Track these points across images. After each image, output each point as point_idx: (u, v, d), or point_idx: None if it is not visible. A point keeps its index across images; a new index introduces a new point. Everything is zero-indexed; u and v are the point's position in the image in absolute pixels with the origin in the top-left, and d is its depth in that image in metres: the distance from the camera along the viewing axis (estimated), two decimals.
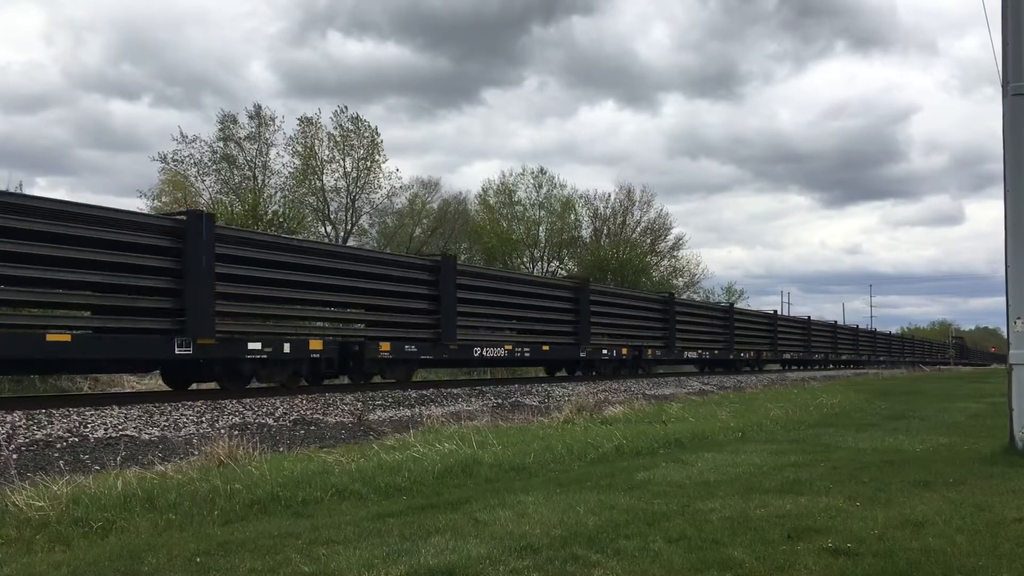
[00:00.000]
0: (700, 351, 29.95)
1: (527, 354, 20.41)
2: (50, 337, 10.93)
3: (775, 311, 41.52)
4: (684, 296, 44.17)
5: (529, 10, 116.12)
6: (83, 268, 11.52)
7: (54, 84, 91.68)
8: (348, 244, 36.51)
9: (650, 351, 26.14)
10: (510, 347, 19.65)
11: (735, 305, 41.25)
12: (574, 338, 22.32)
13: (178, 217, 13.17)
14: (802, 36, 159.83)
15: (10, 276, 10.93)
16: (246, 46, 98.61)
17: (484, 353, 18.80)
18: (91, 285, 11.74)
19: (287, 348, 14.04)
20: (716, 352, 31.41)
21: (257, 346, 13.46)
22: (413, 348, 16.66)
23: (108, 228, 11.83)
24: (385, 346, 15.91)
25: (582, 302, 22.66)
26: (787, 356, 40.50)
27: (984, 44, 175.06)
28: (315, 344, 14.56)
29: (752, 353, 35.06)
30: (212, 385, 14.79)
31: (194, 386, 14.95)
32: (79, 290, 11.70)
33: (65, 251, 11.26)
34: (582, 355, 22.41)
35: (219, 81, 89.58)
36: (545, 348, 21.12)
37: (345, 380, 16.88)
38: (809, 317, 49.28)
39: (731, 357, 32.71)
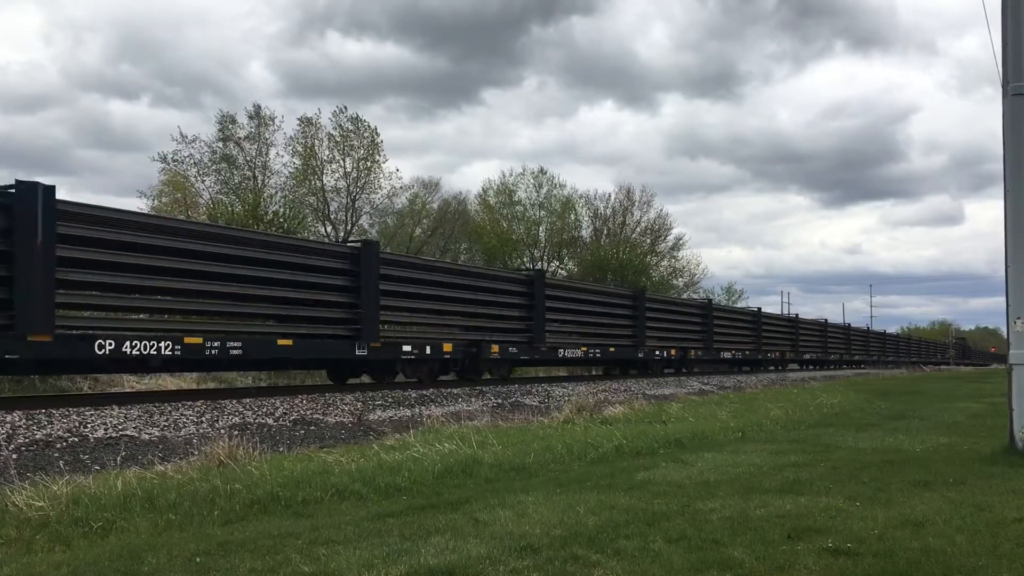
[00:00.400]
0: (734, 352, 32.89)
1: (598, 354, 23.41)
2: (280, 342, 14.20)
3: (796, 315, 41.72)
4: (719, 302, 45.62)
5: (528, 10, 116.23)
6: (301, 288, 14.78)
7: (53, 84, 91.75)
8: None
9: (693, 352, 29.28)
10: (585, 348, 22.70)
11: (762, 309, 40.87)
12: (633, 340, 25.39)
13: (353, 244, 16.98)
14: (801, 36, 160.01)
15: (258, 296, 14.15)
16: (245, 46, 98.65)
17: (566, 354, 22.00)
18: (303, 302, 14.84)
19: (428, 350, 17.13)
20: (747, 352, 34.23)
21: (408, 348, 16.67)
22: (514, 350, 19.76)
23: (312, 256, 15.19)
24: (495, 348, 19.05)
25: (639, 308, 25.80)
26: (807, 356, 41.96)
27: (983, 44, 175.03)
28: (447, 347, 17.71)
29: (777, 353, 37.69)
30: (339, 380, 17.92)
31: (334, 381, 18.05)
32: (298, 307, 14.80)
33: (293, 275, 14.67)
34: (640, 355, 25.52)
35: (218, 81, 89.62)
36: (612, 349, 24.18)
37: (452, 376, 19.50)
38: (826, 320, 49.52)
39: (759, 357, 35.86)
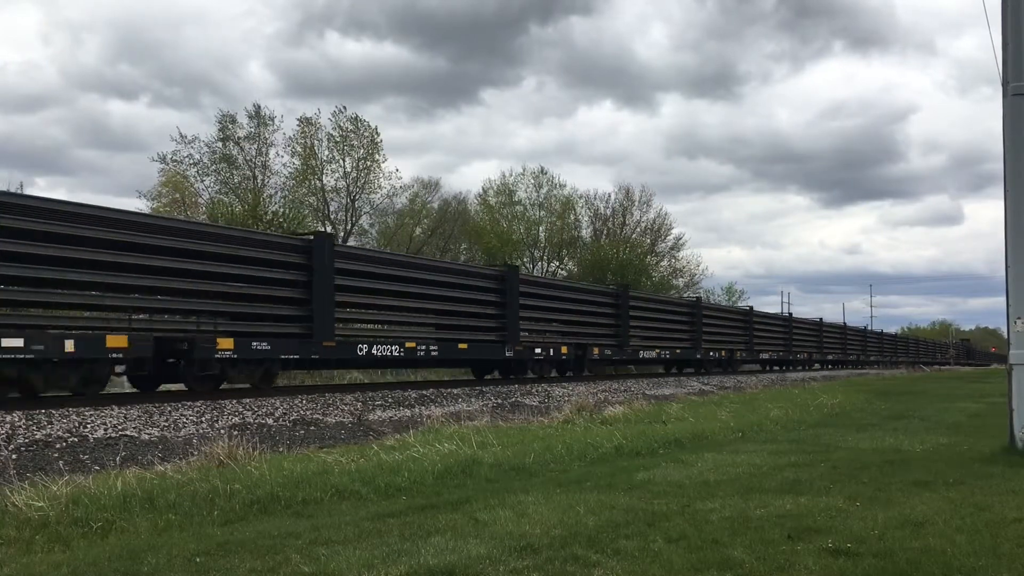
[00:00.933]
0: (770, 353, 37.34)
1: (667, 355, 28.87)
2: (460, 346, 18.88)
3: (790, 314, 41.60)
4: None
5: (526, 10, 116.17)
6: (473, 305, 19.77)
7: (52, 84, 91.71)
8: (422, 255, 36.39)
9: (737, 353, 34.15)
10: (658, 351, 27.83)
11: (753, 308, 41.06)
12: (692, 343, 29.93)
13: (499, 268, 21.86)
14: (800, 36, 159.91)
15: (449, 311, 19.04)
16: (244, 46, 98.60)
17: (644, 355, 27.13)
18: (474, 315, 19.78)
19: (551, 352, 21.88)
20: (738, 352, 35.57)
21: (538, 351, 21.34)
22: (608, 352, 24.68)
23: (476, 279, 20.23)
24: (596, 350, 24.21)
25: (697, 316, 30.89)
26: (764, 355, 40.47)
27: (981, 44, 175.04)
28: (564, 350, 22.34)
29: (789, 353, 38.16)
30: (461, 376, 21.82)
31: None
32: (471, 319, 19.68)
33: (468, 295, 19.65)
34: (697, 356, 29.81)
35: (217, 81, 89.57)
36: (677, 351, 28.97)
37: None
38: (821, 319, 49.44)
39: (789, 358, 39.46)
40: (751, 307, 39.70)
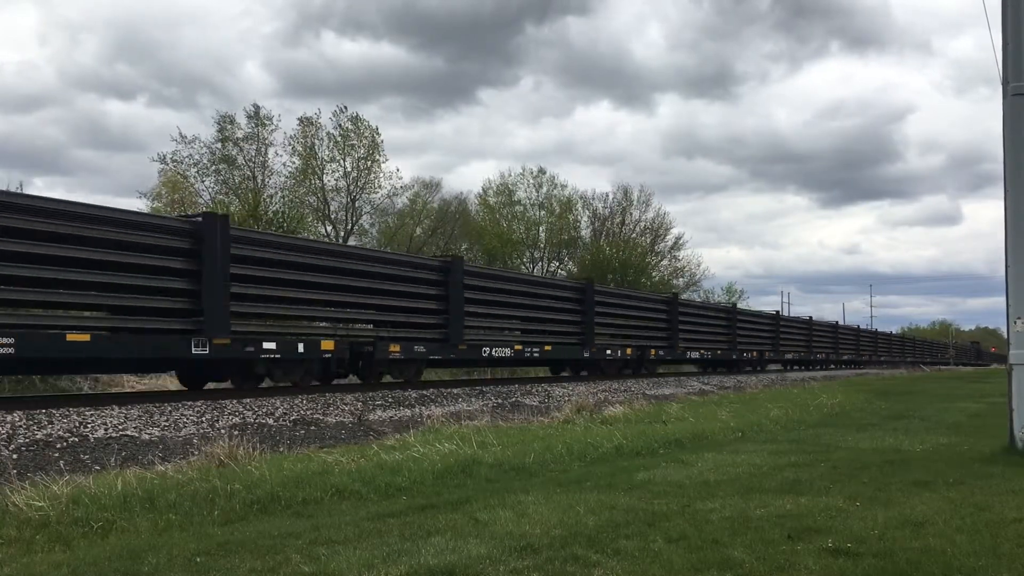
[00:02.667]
0: (793, 353, 39.63)
1: (708, 356, 31.28)
2: (546, 347, 21.31)
3: (777, 311, 41.93)
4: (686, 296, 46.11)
5: (523, 10, 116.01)
6: (555, 312, 22.45)
7: (49, 84, 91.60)
8: (374, 248, 36.73)
9: (766, 353, 36.46)
10: (702, 351, 30.37)
11: (737, 305, 41.88)
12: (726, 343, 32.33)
13: (579, 281, 25.38)
14: (797, 36, 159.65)
15: (538, 318, 22.06)
16: (241, 46, 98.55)
17: (692, 355, 29.57)
18: (555, 322, 22.44)
19: (619, 352, 24.62)
20: (719, 352, 35.99)
21: (609, 352, 24.18)
22: (661, 353, 27.47)
23: (556, 289, 23.23)
24: (653, 352, 26.94)
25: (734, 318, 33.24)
26: (789, 356, 41.92)
27: (978, 44, 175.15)
28: (629, 350, 25.19)
29: (755, 353, 37.86)
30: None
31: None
32: (555, 325, 22.45)
33: (552, 304, 22.29)
34: (735, 357, 32.23)
35: (215, 81, 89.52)
36: (718, 352, 31.71)
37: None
38: (811, 317, 49.68)
39: (810, 357, 40.97)
40: (778, 312, 41.34)
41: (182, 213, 33.03)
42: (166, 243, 12.61)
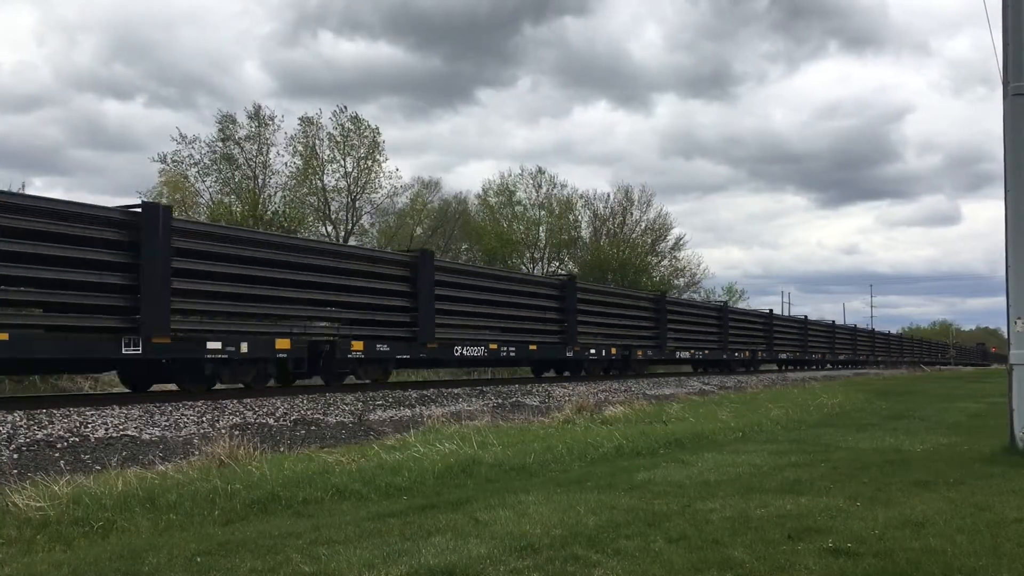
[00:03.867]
0: (788, 353, 39.44)
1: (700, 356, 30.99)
2: (531, 347, 20.91)
3: (770, 310, 41.79)
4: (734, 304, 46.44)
5: (520, 10, 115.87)
6: (536, 310, 21.85)
7: (46, 84, 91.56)
8: (360, 246, 36.83)
9: (759, 353, 36.25)
10: (692, 351, 30.02)
11: (728, 304, 41.85)
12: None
13: (560, 277, 24.78)
14: (794, 37, 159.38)
15: (523, 316, 21.24)
16: (239, 46, 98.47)
17: (682, 355, 29.36)
18: (538, 320, 21.85)
19: (603, 352, 23.91)
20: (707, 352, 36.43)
21: (592, 352, 23.51)
22: (651, 353, 26.92)
23: (536, 286, 22.47)
24: (640, 352, 26.21)
25: (724, 319, 32.82)
26: (783, 355, 41.77)
27: (975, 45, 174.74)
28: (613, 351, 24.51)
29: (747, 353, 37.57)
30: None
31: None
32: (537, 323, 21.79)
33: (531, 301, 21.60)
34: (725, 357, 32.22)
35: (213, 81, 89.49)
36: (706, 352, 31.33)
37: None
38: (806, 316, 49.64)
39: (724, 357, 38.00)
40: (771, 310, 40.77)
41: (188, 215, 33.16)
42: (99, 235, 11.78)
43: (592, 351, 23.55)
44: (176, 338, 12.53)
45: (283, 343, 14.10)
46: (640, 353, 26.16)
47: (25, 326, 11.39)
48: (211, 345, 12.94)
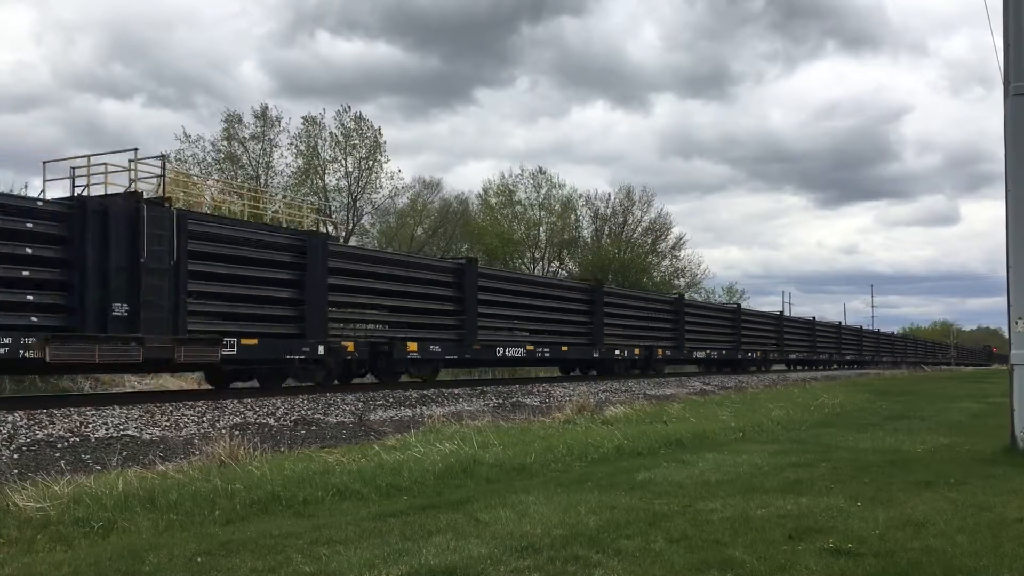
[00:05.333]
0: (797, 354, 41.14)
1: (715, 356, 32.98)
2: (563, 348, 22.92)
3: (781, 311, 41.94)
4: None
5: (518, 10, 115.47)
6: (568, 313, 23.77)
7: (44, 84, 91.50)
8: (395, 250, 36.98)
9: (770, 354, 38.00)
10: (707, 352, 32.01)
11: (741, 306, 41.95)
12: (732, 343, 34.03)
13: (587, 282, 27.89)
14: (791, 37, 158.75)
15: (553, 319, 23.00)
16: (236, 46, 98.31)
17: (698, 355, 31.08)
18: (569, 323, 23.66)
19: (627, 353, 25.85)
20: (803, 354, 40.03)
21: (617, 352, 25.22)
22: (669, 353, 28.59)
23: (568, 291, 24.58)
24: (660, 352, 27.91)
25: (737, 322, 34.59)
26: (793, 356, 42.33)
27: (972, 45, 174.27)
28: (637, 351, 26.47)
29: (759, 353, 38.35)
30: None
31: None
32: (568, 326, 23.71)
33: (563, 305, 23.46)
34: (739, 356, 33.58)
35: (211, 81, 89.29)
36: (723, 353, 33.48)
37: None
38: (815, 318, 49.73)
39: (814, 357, 42.96)
40: (782, 312, 41.22)
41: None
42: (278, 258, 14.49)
43: (617, 351, 25.28)
44: (607, 349, 22.67)
45: (349, 345, 15.62)
46: (661, 353, 27.82)
47: (572, 344, 20.32)
48: (616, 352, 22.61)
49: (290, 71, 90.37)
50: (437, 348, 17.72)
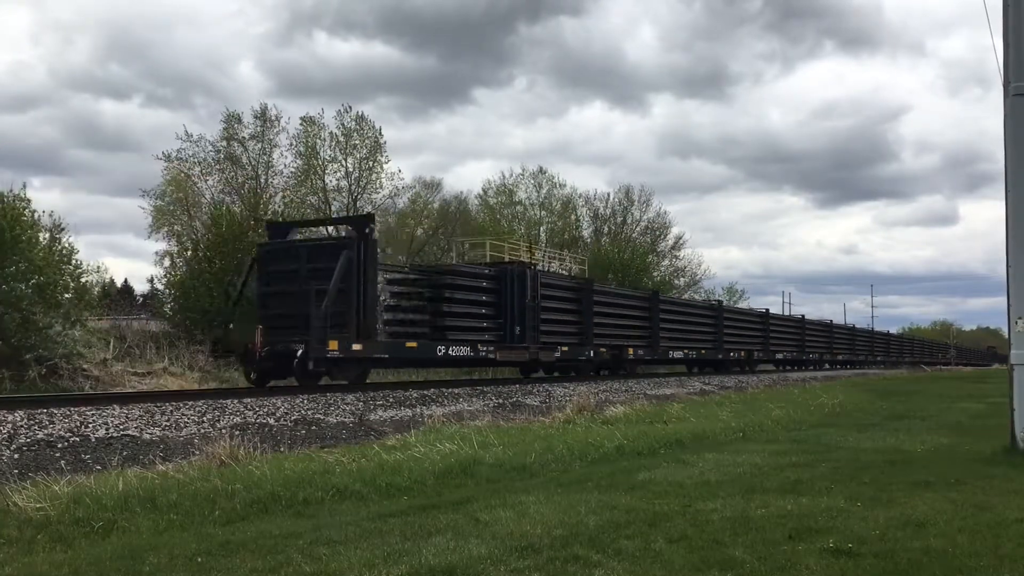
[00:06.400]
0: (784, 353, 41.56)
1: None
2: (702, 351, 31.13)
3: (767, 310, 41.79)
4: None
5: (515, 10, 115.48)
6: (699, 325, 31.48)
7: (42, 84, 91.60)
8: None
9: (755, 353, 38.11)
10: (784, 354, 40.56)
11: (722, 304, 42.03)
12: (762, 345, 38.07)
13: (715, 301, 37.77)
14: (789, 37, 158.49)
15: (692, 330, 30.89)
16: (234, 47, 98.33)
17: (778, 356, 39.08)
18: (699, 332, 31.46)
19: (682, 354, 29.78)
20: (791, 353, 40.76)
21: (679, 353, 29.51)
22: (758, 354, 36.62)
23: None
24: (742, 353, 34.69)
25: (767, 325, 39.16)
26: (780, 356, 41.52)
27: (970, 45, 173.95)
28: (603, 351, 26.86)
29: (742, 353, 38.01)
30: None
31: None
32: (696, 336, 31.06)
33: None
34: (720, 357, 34.95)
35: (209, 81, 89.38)
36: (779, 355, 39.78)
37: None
38: (803, 316, 49.61)
39: (803, 357, 43.61)
40: (767, 310, 40.67)
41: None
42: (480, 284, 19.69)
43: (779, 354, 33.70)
44: (661, 350, 27.33)
45: (604, 352, 24.35)
46: (631, 352, 25.98)
47: (633, 347, 25.80)
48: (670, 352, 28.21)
49: (287, 71, 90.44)
50: (641, 352, 26.27)
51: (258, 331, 15.11)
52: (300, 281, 15.43)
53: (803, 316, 48.39)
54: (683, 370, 32.61)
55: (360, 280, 15.39)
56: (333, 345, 14.53)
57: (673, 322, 28.75)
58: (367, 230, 15.84)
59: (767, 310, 40.89)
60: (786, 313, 60.29)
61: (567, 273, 27.51)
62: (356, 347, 15.06)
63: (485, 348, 18.78)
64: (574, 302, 22.91)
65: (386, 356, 16.41)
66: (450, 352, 17.67)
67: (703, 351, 30.81)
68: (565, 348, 21.87)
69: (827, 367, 47.70)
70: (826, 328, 49.59)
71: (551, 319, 21.26)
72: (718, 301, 39.00)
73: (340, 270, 14.96)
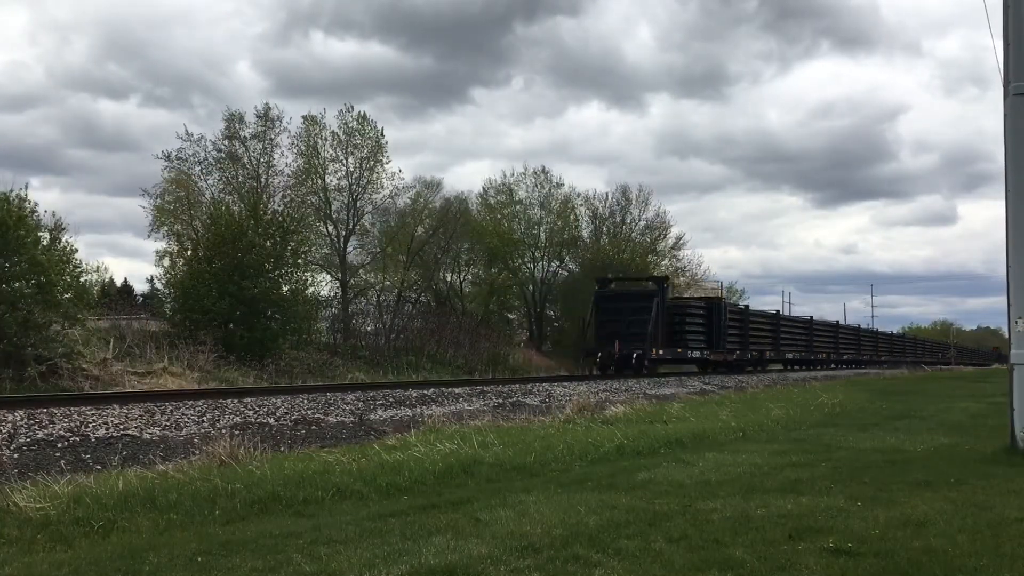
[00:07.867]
0: (793, 353, 44.59)
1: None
2: (819, 354, 45.72)
3: (777, 311, 42.08)
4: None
5: (512, 9, 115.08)
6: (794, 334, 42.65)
7: (39, 84, 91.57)
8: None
9: (766, 353, 41.16)
10: (825, 354, 46.84)
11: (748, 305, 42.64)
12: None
13: (806, 317, 48.47)
14: (786, 37, 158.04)
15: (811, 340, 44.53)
16: (231, 46, 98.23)
17: (819, 356, 45.75)
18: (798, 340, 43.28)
19: (770, 355, 38.75)
20: (800, 353, 43.75)
21: (738, 354, 34.94)
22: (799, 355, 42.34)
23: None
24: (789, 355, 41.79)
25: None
26: (790, 355, 42.46)
27: (967, 45, 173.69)
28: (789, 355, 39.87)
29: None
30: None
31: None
32: (796, 342, 42.55)
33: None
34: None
35: (207, 81, 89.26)
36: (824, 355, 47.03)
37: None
38: (811, 317, 49.81)
39: (811, 357, 46.82)
40: (778, 311, 41.29)
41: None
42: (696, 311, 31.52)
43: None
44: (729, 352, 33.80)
45: (754, 354, 34.11)
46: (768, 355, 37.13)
47: (735, 350, 33.65)
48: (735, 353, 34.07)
49: (285, 71, 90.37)
50: (771, 354, 36.15)
51: (616, 343, 26.37)
52: (625, 314, 27.50)
53: (811, 317, 48.81)
54: (691, 369, 33.92)
55: (660, 314, 27.71)
56: (654, 352, 27.10)
57: (785, 334, 39.01)
58: (664, 286, 29.59)
59: (778, 311, 42.15)
60: (786, 313, 60.40)
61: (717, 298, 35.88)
62: (661, 352, 27.75)
63: (703, 352, 30.60)
64: (739, 323, 34.18)
65: (669, 357, 28.79)
66: (688, 355, 30.02)
67: (795, 354, 39.78)
68: (737, 352, 33.11)
69: (833, 367, 47.93)
70: (832, 328, 50.28)
71: (731, 334, 32.45)
72: (745, 305, 41.95)
73: (655, 309, 27.34)
